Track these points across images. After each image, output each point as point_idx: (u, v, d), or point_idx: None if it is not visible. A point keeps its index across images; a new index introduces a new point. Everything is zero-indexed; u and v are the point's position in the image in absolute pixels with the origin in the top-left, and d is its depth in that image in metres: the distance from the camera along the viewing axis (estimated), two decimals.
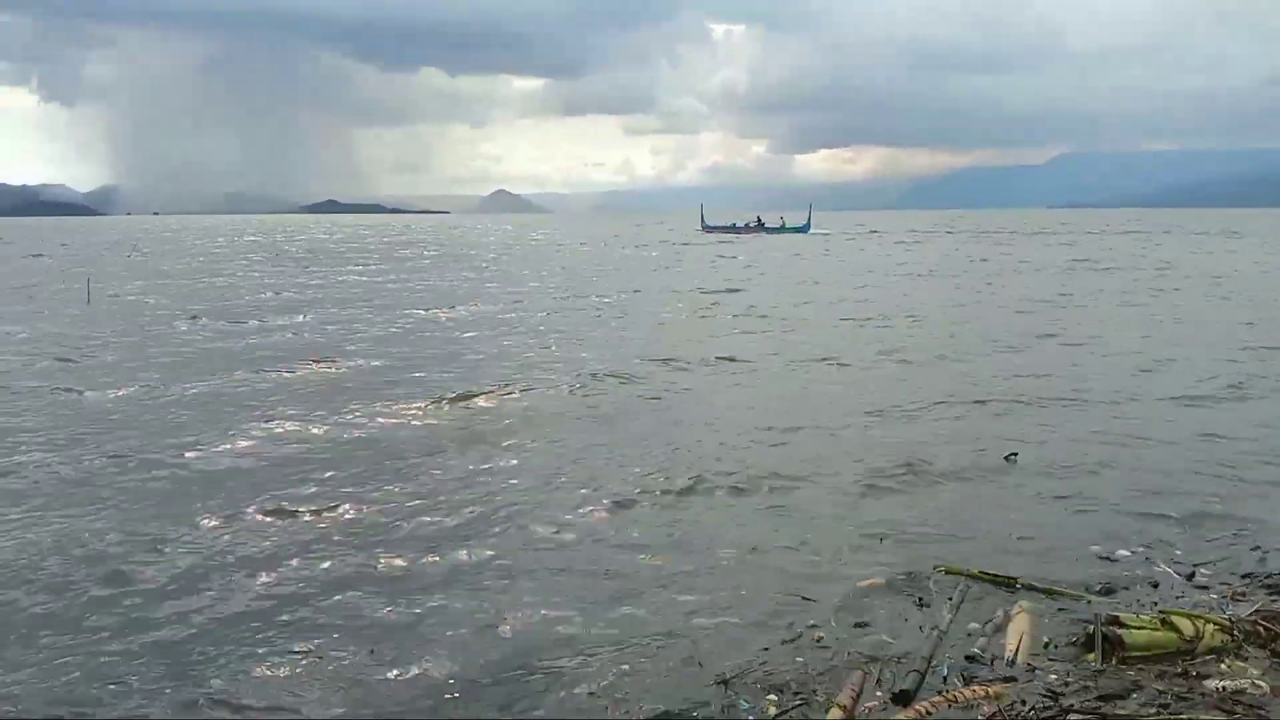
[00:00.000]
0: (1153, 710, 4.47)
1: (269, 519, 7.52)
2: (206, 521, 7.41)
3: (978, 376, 13.94)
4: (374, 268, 42.40)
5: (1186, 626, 5.13)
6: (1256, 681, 4.72)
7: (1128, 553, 6.84)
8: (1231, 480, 8.61)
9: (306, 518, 7.56)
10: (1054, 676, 4.89)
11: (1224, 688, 4.66)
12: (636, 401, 12.33)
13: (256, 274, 38.63)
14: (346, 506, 7.83)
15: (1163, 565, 6.58)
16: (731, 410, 11.82)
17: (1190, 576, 6.40)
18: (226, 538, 7.07)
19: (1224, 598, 5.97)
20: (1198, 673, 4.86)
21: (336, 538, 7.12)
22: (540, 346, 17.34)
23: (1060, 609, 5.80)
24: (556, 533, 7.27)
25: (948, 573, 6.34)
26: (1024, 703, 4.55)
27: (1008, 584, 6.16)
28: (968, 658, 5.12)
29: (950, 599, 5.85)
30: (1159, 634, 5.13)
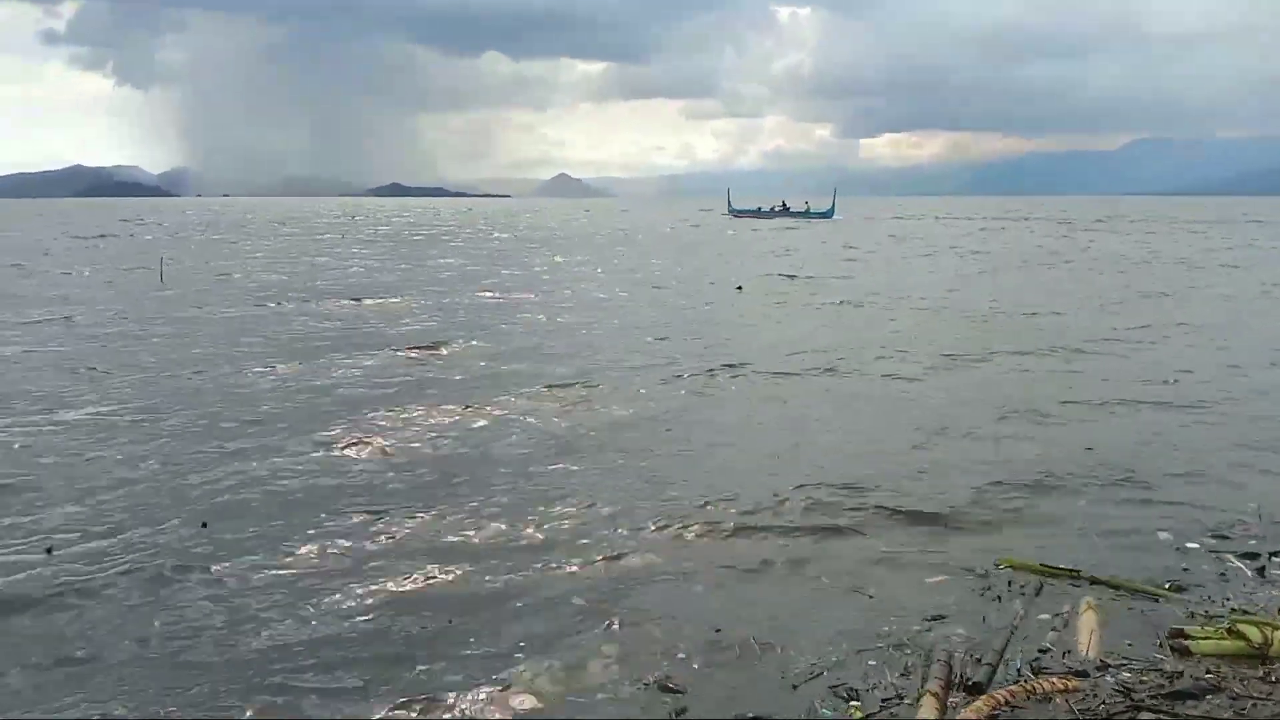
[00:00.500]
0: (1228, 713, 4.46)
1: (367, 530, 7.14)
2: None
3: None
4: (471, 253, 41.58)
5: (1254, 634, 5.08)
6: None
7: (1195, 545, 6.82)
8: None
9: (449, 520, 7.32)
10: (1127, 675, 4.89)
11: None
12: (760, 405, 11.68)
13: (356, 256, 39.17)
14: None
15: (1234, 560, 6.54)
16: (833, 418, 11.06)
17: (1262, 571, 6.36)
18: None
19: None
20: (1277, 676, 4.82)
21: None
22: (656, 339, 16.74)
23: (1129, 607, 5.77)
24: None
25: (1010, 566, 6.35)
26: (1095, 696, 4.60)
27: (1071, 576, 6.13)
28: (1040, 650, 5.15)
29: (1023, 592, 5.88)
30: (1226, 643, 5.10)
